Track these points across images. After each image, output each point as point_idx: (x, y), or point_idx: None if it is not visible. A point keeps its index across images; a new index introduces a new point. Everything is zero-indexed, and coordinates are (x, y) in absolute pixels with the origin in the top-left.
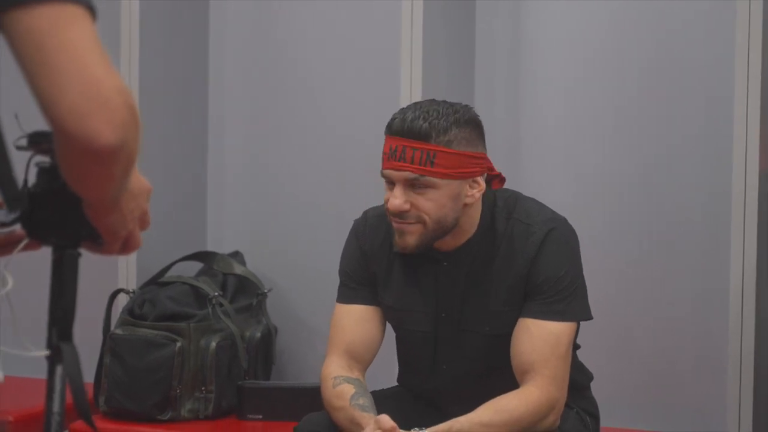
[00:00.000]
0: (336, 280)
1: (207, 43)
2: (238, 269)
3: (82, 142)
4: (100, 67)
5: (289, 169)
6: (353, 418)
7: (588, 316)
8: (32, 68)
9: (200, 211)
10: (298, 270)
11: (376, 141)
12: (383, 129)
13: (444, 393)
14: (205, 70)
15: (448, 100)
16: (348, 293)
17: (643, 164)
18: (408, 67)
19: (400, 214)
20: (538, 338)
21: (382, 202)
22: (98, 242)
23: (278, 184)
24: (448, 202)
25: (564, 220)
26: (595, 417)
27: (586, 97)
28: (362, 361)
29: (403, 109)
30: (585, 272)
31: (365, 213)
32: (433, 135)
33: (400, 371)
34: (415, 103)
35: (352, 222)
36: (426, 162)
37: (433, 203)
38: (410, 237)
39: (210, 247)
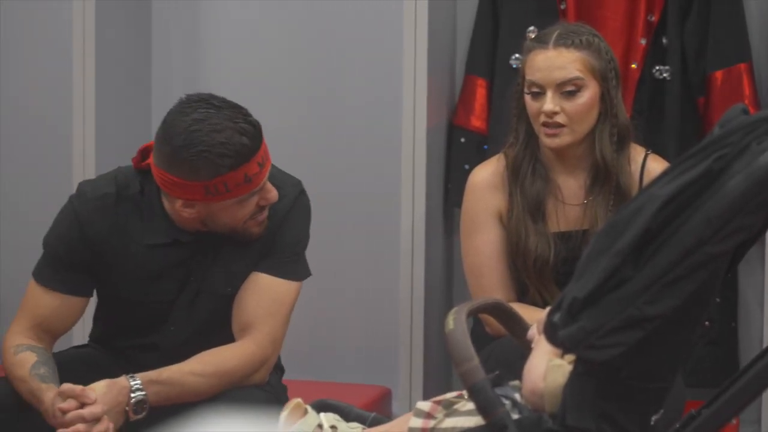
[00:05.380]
0: (7, 239)
1: None
2: None
3: None
4: None
5: None
6: (32, 391)
7: (309, 273)
8: None
9: None
10: None
11: (47, 103)
12: (55, 92)
13: (163, 351)
14: None
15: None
16: (52, 276)
17: (321, 126)
18: (80, 46)
19: None
20: (266, 295)
21: (50, 167)
22: None
23: None
24: None
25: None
26: (281, 370)
27: (264, 77)
28: (53, 335)
29: None
30: None
31: (83, 193)
32: None
33: (101, 330)
34: None
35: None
36: None
37: None
38: None
39: None
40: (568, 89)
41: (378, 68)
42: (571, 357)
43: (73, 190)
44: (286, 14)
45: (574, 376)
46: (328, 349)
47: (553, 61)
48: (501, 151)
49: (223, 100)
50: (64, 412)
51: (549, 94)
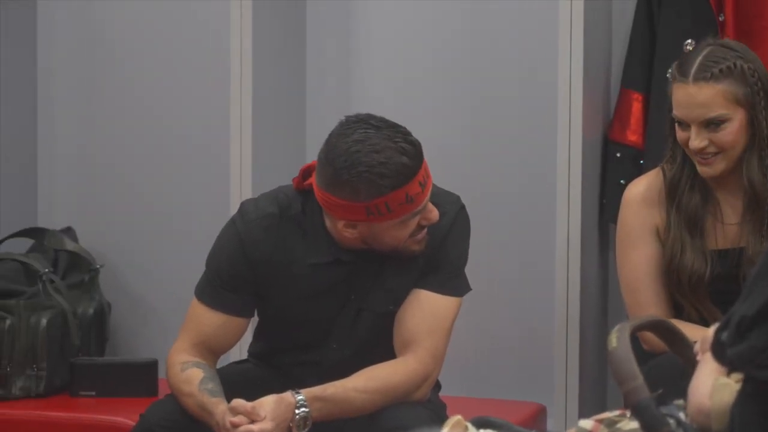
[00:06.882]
0: (168, 257)
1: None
2: (69, 245)
3: None
4: None
5: (120, 145)
6: (203, 405)
7: (469, 288)
8: None
9: (30, 187)
10: (130, 246)
11: (206, 122)
12: (213, 112)
13: (324, 369)
14: (33, 46)
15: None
16: (215, 296)
17: (475, 140)
18: (238, 65)
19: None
20: (428, 311)
21: (208, 185)
22: None
23: (109, 159)
24: None
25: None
26: (438, 386)
27: (417, 91)
28: (216, 353)
29: None
30: None
31: (246, 213)
32: None
33: (262, 347)
34: None
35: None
36: None
37: None
38: None
39: (41, 223)
40: (712, 122)
41: (533, 82)
42: (737, 376)
43: (232, 209)
44: (438, 29)
45: (742, 396)
46: (482, 364)
47: (694, 98)
48: (659, 165)
49: (382, 120)
50: (235, 426)
51: (694, 130)
